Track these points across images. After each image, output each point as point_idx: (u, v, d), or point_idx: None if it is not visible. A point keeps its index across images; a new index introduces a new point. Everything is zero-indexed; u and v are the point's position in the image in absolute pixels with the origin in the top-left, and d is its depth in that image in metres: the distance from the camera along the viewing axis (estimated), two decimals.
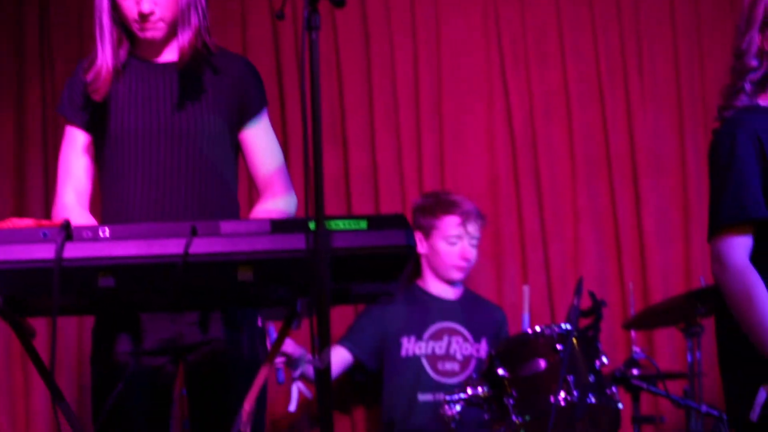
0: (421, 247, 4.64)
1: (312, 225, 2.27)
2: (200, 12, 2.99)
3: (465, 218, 4.62)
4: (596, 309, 3.87)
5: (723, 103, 3.04)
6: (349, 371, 4.71)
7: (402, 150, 5.10)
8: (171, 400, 2.99)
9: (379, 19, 5.16)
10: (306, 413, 4.91)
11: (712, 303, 3.99)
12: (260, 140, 3.06)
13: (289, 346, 4.33)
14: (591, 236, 5.08)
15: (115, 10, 2.97)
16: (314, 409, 4.87)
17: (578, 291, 3.89)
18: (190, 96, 2.98)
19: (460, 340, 4.64)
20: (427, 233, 4.66)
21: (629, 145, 5.13)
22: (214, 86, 3.00)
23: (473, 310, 4.73)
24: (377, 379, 4.68)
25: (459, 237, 4.63)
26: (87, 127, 3.03)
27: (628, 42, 5.17)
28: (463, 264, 4.64)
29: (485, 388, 3.89)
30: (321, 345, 2.18)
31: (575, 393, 3.74)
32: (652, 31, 5.19)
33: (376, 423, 4.80)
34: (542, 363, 3.83)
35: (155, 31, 2.97)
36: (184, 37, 2.95)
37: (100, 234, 2.37)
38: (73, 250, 2.36)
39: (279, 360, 4.33)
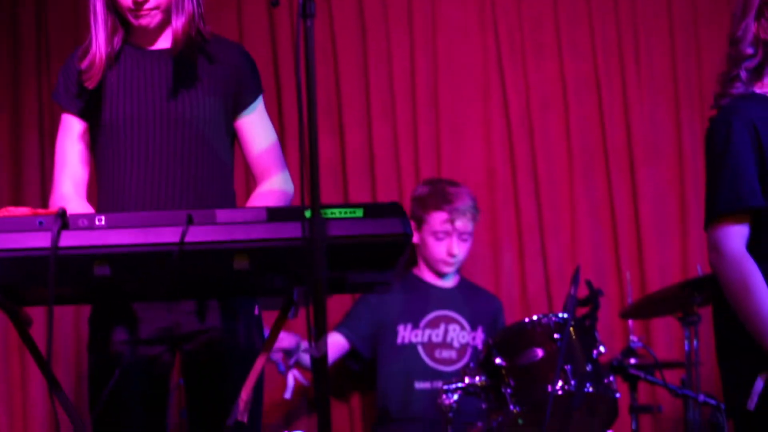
0: (415, 237, 4.64)
1: (308, 213, 2.27)
2: None
3: (453, 215, 4.61)
4: (593, 298, 3.87)
5: (719, 90, 3.04)
6: (344, 358, 4.73)
7: (398, 139, 5.10)
8: (168, 389, 2.99)
9: (376, 7, 5.16)
10: (303, 400, 4.92)
11: (709, 292, 3.99)
12: (256, 128, 3.05)
13: (284, 340, 4.34)
14: (588, 226, 5.09)
15: None
16: (311, 396, 4.88)
17: (575, 280, 3.89)
18: (184, 83, 2.97)
19: (458, 328, 4.64)
20: (419, 225, 4.67)
21: (626, 135, 5.13)
22: (209, 73, 2.99)
23: (470, 298, 4.73)
24: (372, 366, 4.69)
25: (447, 233, 4.64)
26: (82, 115, 3.02)
27: (625, 32, 5.17)
28: (449, 259, 4.65)
29: (483, 378, 3.89)
30: (317, 334, 2.18)
31: (572, 382, 3.74)
32: (649, 22, 5.19)
33: (373, 410, 4.81)
34: (540, 352, 3.83)
35: (150, 18, 2.96)
36: (178, 24, 2.94)
37: (96, 222, 2.37)
38: (69, 239, 2.35)
39: (276, 356, 4.35)
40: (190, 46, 2.96)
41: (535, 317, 3.90)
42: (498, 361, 3.86)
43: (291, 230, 2.36)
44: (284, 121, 5.05)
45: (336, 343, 4.63)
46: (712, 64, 5.03)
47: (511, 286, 5.04)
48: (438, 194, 4.65)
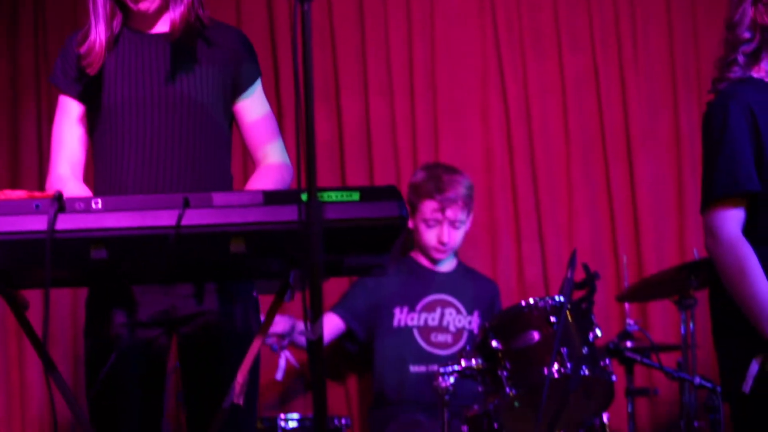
0: (410, 222, 4.64)
1: (304, 196, 2.27)
2: None
3: (444, 204, 4.62)
4: (590, 281, 3.87)
5: (716, 75, 3.04)
6: (341, 339, 4.74)
7: (396, 123, 5.10)
8: (165, 372, 2.99)
9: None
10: (300, 382, 4.93)
11: (705, 275, 4.00)
12: (255, 111, 3.05)
13: (278, 324, 4.35)
14: (585, 210, 5.09)
15: None
16: (308, 378, 4.89)
17: (572, 263, 3.88)
18: (182, 67, 2.97)
19: (453, 312, 4.65)
20: (412, 211, 4.68)
21: (624, 119, 5.13)
22: (208, 58, 2.99)
23: (467, 282, 4.74)
24: (369, 348, 4.70)
25: (437, 221, 4.64)
26: (80, 98, 3.02)
27: (623, 18, 5.16)
28: (440, 247, 4.66)
29: (479, 361, 3.89)
30: (313, 317, 2.18)
31: (569, 365, 3.75)
32: (646, 7, 5.18)
33: (369, 393, 4.82)
34: (536, 335, 3.83)
35: (149, 2, 2.96)
36: (176, 10, 2.94)
37: (93, 206, 2.37)
38: (65, 222, 2.35)
39: (270, 339, 4.37)
40: (188, 31, 2.96)
41: (531, 300, 3.90)
42: (494, 344, 3.86)
43: (287, 213, 2.36)
44: (282, 104, 5.05)
45: (332, 323, 4.65)
46: (709, 48, 5.02)
47: (508, 270, 5.04)
48: (431, 182, 4.65)
